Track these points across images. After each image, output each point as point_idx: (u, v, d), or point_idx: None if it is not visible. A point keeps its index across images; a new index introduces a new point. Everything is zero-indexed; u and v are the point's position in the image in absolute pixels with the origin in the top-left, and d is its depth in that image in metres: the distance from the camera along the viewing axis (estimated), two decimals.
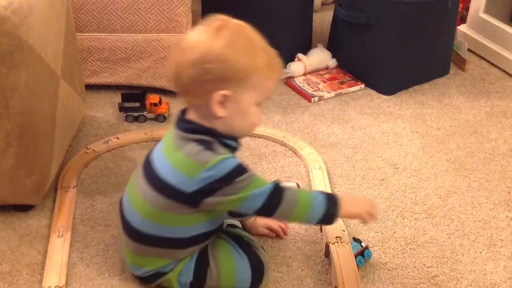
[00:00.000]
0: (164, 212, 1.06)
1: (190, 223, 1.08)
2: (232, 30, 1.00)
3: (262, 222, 1.29)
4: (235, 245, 1.15)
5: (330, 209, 1.07)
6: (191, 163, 1.01)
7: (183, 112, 1.08)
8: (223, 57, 0.97)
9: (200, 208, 1.05)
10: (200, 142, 1.02)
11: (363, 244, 1.24)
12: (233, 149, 1.07)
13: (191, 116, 1.05)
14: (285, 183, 1.36)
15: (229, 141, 1.06)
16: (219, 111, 1.01)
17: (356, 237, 1.27)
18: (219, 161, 1.00)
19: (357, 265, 1.19)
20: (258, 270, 1.14)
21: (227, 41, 0.98)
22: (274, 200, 1.04)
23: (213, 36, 0.98)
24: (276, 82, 1.06)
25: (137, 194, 1.10)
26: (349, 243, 1.23)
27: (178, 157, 1.03)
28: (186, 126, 1.05)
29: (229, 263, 1.12)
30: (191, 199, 1.03)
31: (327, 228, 1.27)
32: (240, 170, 1.02)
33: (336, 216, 1.08)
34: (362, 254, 1.22)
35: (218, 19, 1.01)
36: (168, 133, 1.11)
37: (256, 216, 1.11)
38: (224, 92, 0.99)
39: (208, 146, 1.02)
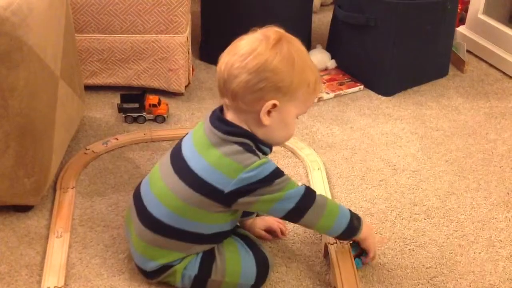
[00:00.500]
0: (195, 207, 1.08)
1: (216, 221, 1.10)
2: (290, 44, 1.04)
3: (260, 224, 1.29)
4: (241, 241, 1.17)
5: (354, 222, 1.14)
6: (232, 163, 1.04)
7: (221, 110, 1.10)
8: (280, 68, 1.01)
9: (232, 208, 1.08)
10: (240, 144, 1.05)
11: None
12: (265, 154, 1.11)
13: (230, 117, 1.08)
14: None
15: (265, 148, 1.10)
16: (266, 120, 1.05)
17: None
18: (260, 164, 1.04)
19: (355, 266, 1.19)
20: (263, 267, 1.15)
21: (285, 54, 1.02)
22: (307, 202, 1.08)
23: (273, 48, 1.02)
24: (316, 98, 1.09)
25: (163, 187, 1.11)
26: (348, 244, 1.23)
27: (216, 156, 1.05)
28: (227, 129, 1.07)
29: (235, 258, 1.14)
30: (227, 199, 1.05)
31: None
32: (278, 173, 1.06)
33: (358, 231, 1.15)
34: (360, 256, 1.22)
35: (276, 31, 1.05)
36: (198, 128, 1.13)
37: (284, 219, 1.12)
38: (275, 101, 1.03)
39: (247, 149, 1.05)
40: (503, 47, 2.07)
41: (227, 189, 1.04)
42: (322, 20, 2.40)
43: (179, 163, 1.11)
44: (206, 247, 1.13)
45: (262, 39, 1.03)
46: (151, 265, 1.13)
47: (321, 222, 1.11)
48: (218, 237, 1.14)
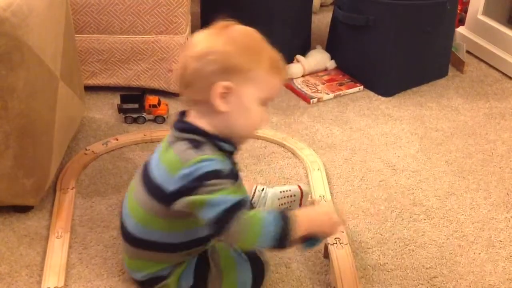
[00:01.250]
0: (156, 216, 1.05)
1: (181, 229, 1.06)
2: (237, 29, 1.02)
3: None
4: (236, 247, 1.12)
5: (285, 228, 0.96)
6: (176, 160, 1.00)
7: (182, 114, 1.08)
8: (226, 49, 0.98)
9: (174, 210, 1.00)
10: (189, 140, 1.01)
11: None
12: (229, 153, 1.05)
13: (190, 117, 1.05)
14: (287, 186, 1.38)
15: (224, 144, 1.03)
16: (221, 105, 0.99)
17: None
18: (199, 160, 0.97)
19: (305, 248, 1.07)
20: (259, 271, 1.13)
21: (231, 36, 1.00)
22: (227, 216, 0.94)
23: (217, 33, 1.01)
24: (280, 82, 1.05)
25: (133, 198, 1.10)
26: (348, 243, 1.23)
27: (168, 155, 1.03)
28: (180, 126, 1.05)
29: (231, 266, 1.10)
30: (169, 200, 1.00)
31: None
32: (217, 173, 0.97)
33: (290, 237, 0.96)
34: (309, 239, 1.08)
35: (227, 21, 1.04)
36: (166, 135, 1.10)
37: (213, 236, 1.04)
38: (226, 83, 0.98)
39: (196, 145, 1.00)
40: (502, 47, 2.08)
41: (169, 188, 0.99)
42: (321, 20, 2.40)
43: (144, 171, 1.08)
44: (185, 255, 1.10)
45: (209, 29, 1.03)
46: (139, 276, 1.13)
47: (244, 239, 0.97)
48: (192, 245, 1.09)
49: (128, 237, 1.10)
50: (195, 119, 1.04)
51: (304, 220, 0.99)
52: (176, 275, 1.11)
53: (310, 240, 1.02)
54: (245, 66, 0.99)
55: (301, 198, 1.36)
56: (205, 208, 0.96)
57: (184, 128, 1.04)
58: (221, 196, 0.95)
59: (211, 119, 1.02)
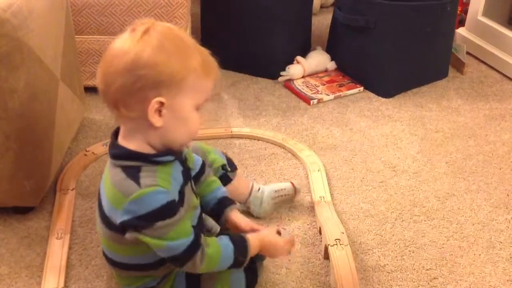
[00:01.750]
0: (114, 243, 1.02)
1: (147, 251, 1.00)
2: (160, 33, 0.92)
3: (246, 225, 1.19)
4: None
5: (239, 258, 1.04)
6: (116, 193, 0.95)
7: (115, 134, 1.01)
8: (154, 61, 0.89)
9: (129, 239, 0.98)
10: (123, 168, 0.95)
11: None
12: (171, 161, 0.99)
13: (121, 137, 0.99)
14: (281, 184, 1.38)
15: (163, 158, 0.97)
16: (157, 121, 0.92)
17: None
18: (143, 194, 0.92)
19: None
20: (251, 273, 1.12)
21: (156, 44, 0.90)
22: (189, 256, 0.97)
23: (140, 41, 0.90)
24: (213, 81, 0.97)
25: (97, 220, 1.06)
26: (348, 245, 1.22)
27: (108, 186, 0.98)
28: (114, 152, 0.98)
29: (223, 271, 1.07)
30: (120, 230, 0.97)
31: (327, 230, 1.27)
32: (164, 211, 0.94)
33: (244, 262, 1.05)
34: None
35: (143, 23, 0.93)
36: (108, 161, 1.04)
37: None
38: (159, 99, 0.91)
39: (132, 173, 0.94)
40: (502, 48, 2.08)
41: (117, 220, 0.95)
42: (322, 22, 2.40)
43: (99, 195, 1.04)
44: (164, 269, 1.06)
45: (129, 35, 0.92)
46: None
47: (203, 270, 1.01)
48: (166, 261, 1.03)
49: (105, 257, 1.09)
50: (127, 140, 0.97)
51: (255, 246, 1.07)
52: (168, 284, 1.09)
53: None
54: (177, 76, 0.91)
55: (295, 195, 1.39)
56: (160, 250, 0.97)
57: (117, 154, 0.97)
58: (174, 243, 0.95)
59: (146, 135, 0.96)
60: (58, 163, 1.42)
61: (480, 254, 1.30)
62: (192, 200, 1.04)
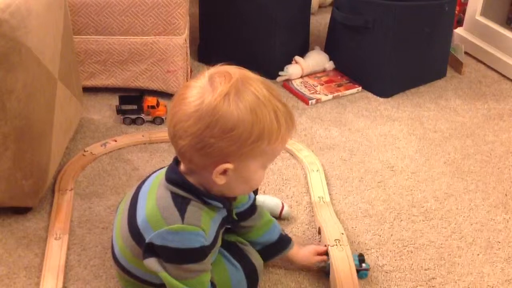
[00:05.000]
0: (134, 256, 1.02)
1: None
2: (239, 95, 0.88)
3: (310, 251, 1.22)
4: (227, 254, 1.11)
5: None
6: (157, 214, 0.95)
7: (177, 160, 1.00)
8: (228, 132, 0.87)
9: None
10: (173, 195, 0.96)
11: (364, 265, 1.21)
12: (218, 208, 0.99)
13: (182, 167, 0.98)
14: (271, 199, 1.37)
15: (213, 202, 0.97)
16: (220, 180, 0.93)
17: (362, 254, 1.23)
18: (183, 230, 0.93)
19: None
20: (252, 276, 1.11)
21: (234, 111, 0.87)
22: None
23: (218, 105, 0.87)
24: (286, 143, 0.96)
25: (119, 225, 1.06)
26: (348, 245, 1.23)
27: (151, 203, 0.98)
28: (170, 175, 0.98)
29: (224, 275, 1.08)
30: (143, 247, 0.97)
31: (326, 230, 1.27)
32: (195, 254, 0.94)
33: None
34: (357, 272, 1.19)
35: (224, 79, 0.89)
36: (161, 172, 1.04)
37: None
38: (227, 165, 0.91)
39: (180, 204, 0.95)
40: (500, 48, 2.08)
41: (147, 238, 0.95)
42: (320, 21, 2.40)
43: (132, 206, 1.03)
44: None
45: (208, 91, 0.88)
46: None
47: None
48: None
49: (115, 260, 1.09)
50: (187, 173, 0.97)
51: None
52: None
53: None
54: (249, 147, 0.89)
55: (278, 216, 1.35)
56: None
57: (173, 180, 0.97)
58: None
59: (205, 182, 0.96)
60: (56, 164, 1.42)
61: (478, 254, 1.30)
62: (218, 242, 1.05)
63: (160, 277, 0.96)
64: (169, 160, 1.54)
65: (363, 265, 1.21)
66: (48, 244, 1.24)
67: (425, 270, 1.25)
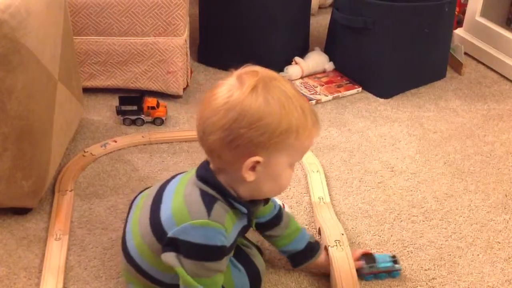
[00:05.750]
0: (151, 251, 1.02)
1: (172, 272, 0.99)
2: (267, 88, 0.90)
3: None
4: (231, 257, 1.09)
5: None
6: (183, 209, 0.96)
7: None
8: (257, 122, 0.89)
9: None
10: (202, 192, 0.97)
11: (397, 265, 1.21)
12: (242, 214, 1.00)
13: (212, 167, 0.99)
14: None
15: (238, 205, 0.98)
16: (249, 176, 0.93)
17: (395, 256, 1.23)
18: (208, 226, 0.94)
19: (375, 277, 1.21)
20: (255, 279, 1.12)
21: (262, 103, 0.89)
22: None
23: (247, 97, 0.89)
24: (313, 140, 0.97)
25: (137, 220, 1.06)
26: (348, 246, 1.23)
27: (178, 198, 0.99)
28: (201, 173, 0.99)
29: (227, 278, 1.07)
30: (163, 243, 0.97)
31: (326, 231, 1.27)
32: (215, 252, 0.95)
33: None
34: (389, 272, 1.21)
35: (251, 75, 0.92)
36: (189, 172, 1.05)
37: None
38: (257, 158, 0.91)
39: (208, 201, 0.96)
40: (500, 49, 2.08)
41: (169, 232, 0.96)
42: (320, 22, 2.40)
43: (156, 202, 1.03)
44: None
45: (236, 86, 0.91)
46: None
47: None
48: None
49: (126, 255, 1.08)
50: (217, 173, 0.98)
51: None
52: None
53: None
54: (278, 138, 0.90)
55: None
56: (183, 286, 0.97)
57: (204, 177, 0.98)
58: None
59: (234, 181, 0.97)
60: (57, 164, 1.42)
61: (478, 255, 1.30)
62: (233, 249, 1.05)
63: (176, 273, 0.96)
64: (168, 161, 1.55)
65: (396, 266, 1.21)
66: (48, 245, 1.24)
67: (425, 270, 1.25)
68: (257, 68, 0.95)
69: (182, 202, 0.97)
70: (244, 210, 0.99)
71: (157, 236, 1.00)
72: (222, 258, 0.97)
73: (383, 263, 1.21)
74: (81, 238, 1.29)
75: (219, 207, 0.96)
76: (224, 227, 0.95)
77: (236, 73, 0.94)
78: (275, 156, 0.93)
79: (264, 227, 1.17)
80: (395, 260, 1.22)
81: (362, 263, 1.20)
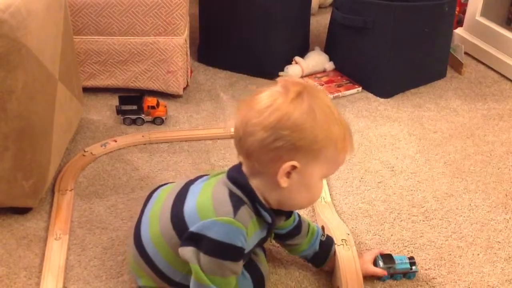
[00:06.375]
0: (167, 244, 1.02)
1: (184, 270, 1.01)
2: (311, 98, 0.92)
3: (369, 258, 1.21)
4: None
5: None
6: (209, 205, 0.96)
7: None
8: (301, 125, 0.90)
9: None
10: (231, 193, 0.97)
11: (414, 267, 1.21)
12: (265, 223, 1.00)
13: (246, 169, 0.99)
14: None
15: (265, 213, 0.98)
16: (284, 182, 0.93)
17: (413, 257, 1.23)
18: (232, 224, 0.93)
19: (391, 278, 1.21)
20: (260, 284, 1.11)
21: (306, 109, 0.90)
22: None
23: (292, 101, 0.90)
24: (347, 156, 0.98)
25: (157, 210, 1.06)
26: (354, 246, 1.22)
27: (206, 194, 0.99)
28: (233, 174, 0.99)
29: None
30: (182, 237, 0.97)
31: (332, 230, 1.26)
32: (234, 251, 0.94)
33: None
34: (405, 274, 1.21)
35: (296, 84, 0.94)
36: (217, 175, 1.05)
37: None
38: (294, 163, 0.91)
39: (235, 201, 0.95)
40: (500, 49, 2.08)
41: (191, 228, 0.96)
42: (320, 22, 2.40)
43: (181, 193, 1.04)
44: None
45: (281, 92, 0.92)
46: (140, 282, 1.11)
47: None
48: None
49: (139, 246, 1.07)
50: (249, 177, 0.98)
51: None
52: None
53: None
54: (318, 145, 0.91)
55: None
56: (196, 283, 0.96)
57: (235, 179, 0.98)
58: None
59: (266, 187, 0.96)
60: (57, 164, 1.42)
61: (478, 254, 1.30)
62: (248, 257, 1.05)
63: (188, 272, 0.96)
64: (168, 161, 1.55)
65: (413, 268, 1.21)
66: (48, 245, 1.24)
67: (425, 270, 1.25)
68: (301, 80, 0.97)
69: (209, 199, 0.98)
70: (269, 218, 0.99)
71: (177, 230, 1.00)
72: (240, 259, 0.97)
73: (401, 264, 1.21)
74: (81, 238, 1.29)
75: (245, 211, 0.96)
76: (247, 229, 0.95)
77: (281, 81, 0.95)
78: (312, 165, 0.93)
79: (284, 238, 1.17)
80: (413, 262, 1.22)
81: (381, 268, 1.19)
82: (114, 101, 1.76)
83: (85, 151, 1.55)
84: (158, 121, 1.71)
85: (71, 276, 1.20)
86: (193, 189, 1.05)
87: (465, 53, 2.14)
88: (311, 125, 0.90)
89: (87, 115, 1.73)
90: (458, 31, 2.23)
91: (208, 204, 0.97)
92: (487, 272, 1.25)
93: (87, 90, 1.77)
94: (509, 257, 1.29)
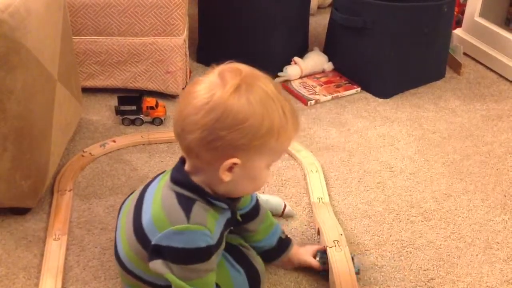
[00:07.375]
0: (138, 258, 1.02)
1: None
2: (250, 88, 0.89)
3: (308, 251, 1.22)
4: (230, 258, 1.10)
5: None
6: (162, 216, 0.95)
7: (183, 161, 0.99)
8: (240, 124, 0.87)
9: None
10: (178, 195, 0.96)
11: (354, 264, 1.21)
12: (223, 209, 1.00)
13: (187, 166, 0.98)
14: (274, 198, 1.37)
15: (218, 202, 0.97)
16: (226, 177, 0.92)
17: (353, 256, 1.23)
18: (189, 230, 0.92)
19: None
20: (255, 280, 1.11)
21: (245, 104, 0.87)
22: None
23: (230, 97, 0.87)
24: (292, 141, 0.96)
25: (124, 226, 1.06)
26: (347, 246, 1.23)
27: (156, 205, 0.98)
28: (175, 176, 0.98)
29: (226, 279, 1.07)
30: (149, 250, 0.96)
31: (325, 232, 1.27)
32: (201, 253, 0.94)
33: None
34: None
35: (234, 73, 0.90)
36: (166, 173, 1.04)
37: None
38: (235, 160, 0.90)
39: (185, 204, 0.94)
40: (499, 49, 2.08)
41: (153, 240, 0.94)
42: (319, 22, 2.40)
43: (138, 207, 1.02)
44: None
45: (218, 85, 0.89)
46: None
47: None
48: None
49: (118, 260, 1.08)
50: (192, 173, 0.97)
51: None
52: None
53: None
54: (258, 141, 0.89)
55: (281, 214, 1.37)
56: None
57: (178, 180, 0.97)
58: None
59: (211, 180, 0.96)
60: (56, 164, 1.42)
61: (477, 255, 1.30)
62: (223, 244, 1.04)
63: (166, 279, 0.96)
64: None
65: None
66: (47, 245, 1.24)
67: (424, 270, 1.25)
68: (239, 65, 0.94)
69: (160, 207, 0.97)
70: (225, 205, 0.99)
71: (141, 242, 0.99)
72: (210, 257, 0.96)
73: None
74: (80, 238, 1.29)
75: (198, 208, 0.95)
76: (206, 227, 0.95)
77: (218, 69, 0.92)
78: (254, 158, 0.92)
79: (244, 219, 1.14)
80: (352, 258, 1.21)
81: (317, 261, 1.21)
82: (113, 101, 1.76)
83: (84, 152, 1.55)
84: (157, 121, 1.71)
85: (70, 276, 1.20)
86: (147, 197, 1.03)
87: (464, 53, 2.14)
88: (250, 122, 0.87)
89: (86, 115, 1.73)
90: (457, 31, 2.23)
91: (161, 216, 0.96)
92: (486, 272, 1.25)
93: (86, 90, 1.77)
94: (508, 258, 1.29)
